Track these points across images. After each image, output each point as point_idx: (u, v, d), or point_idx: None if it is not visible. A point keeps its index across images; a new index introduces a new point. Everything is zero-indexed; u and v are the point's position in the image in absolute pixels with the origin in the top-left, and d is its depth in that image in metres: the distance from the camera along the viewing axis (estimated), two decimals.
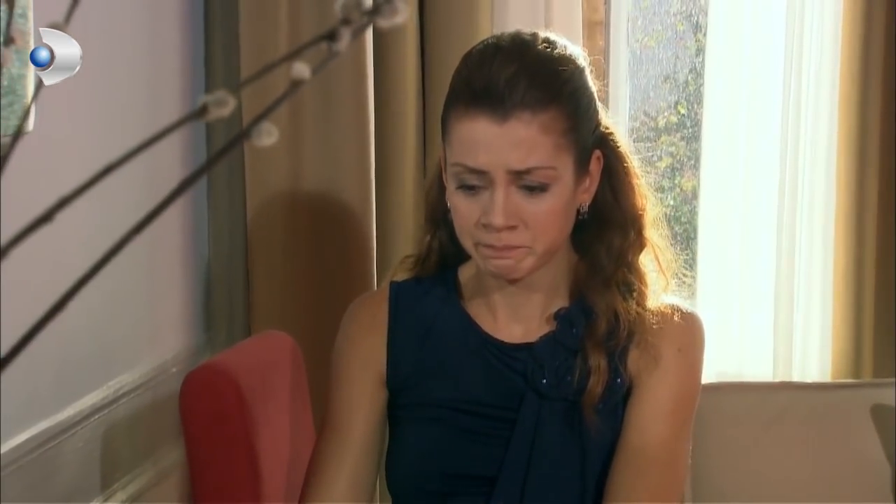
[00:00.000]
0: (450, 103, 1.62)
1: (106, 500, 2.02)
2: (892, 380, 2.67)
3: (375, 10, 0.61)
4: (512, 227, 1.59)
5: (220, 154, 0.64)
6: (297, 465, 1.99)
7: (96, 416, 1.98)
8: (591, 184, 1.67)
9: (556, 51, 1.63)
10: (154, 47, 2.27)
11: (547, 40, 1.64)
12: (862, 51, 2.67)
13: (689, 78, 3.02)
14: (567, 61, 1.63)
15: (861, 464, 2.61)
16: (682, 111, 3.03)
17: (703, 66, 2.87)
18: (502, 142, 1.55)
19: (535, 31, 1.67)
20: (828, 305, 2.77)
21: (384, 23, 0.62)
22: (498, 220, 1.57)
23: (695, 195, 2.93)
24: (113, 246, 0.64)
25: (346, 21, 0.62)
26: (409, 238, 2.58)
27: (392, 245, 2.59)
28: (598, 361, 1.66)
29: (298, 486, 1.80)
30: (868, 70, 2.67)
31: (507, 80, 1.55)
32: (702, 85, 2.87)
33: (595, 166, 1.67)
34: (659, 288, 1.73)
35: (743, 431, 2.65)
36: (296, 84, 0.67)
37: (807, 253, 2.78)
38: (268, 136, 0.67)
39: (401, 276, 1.81)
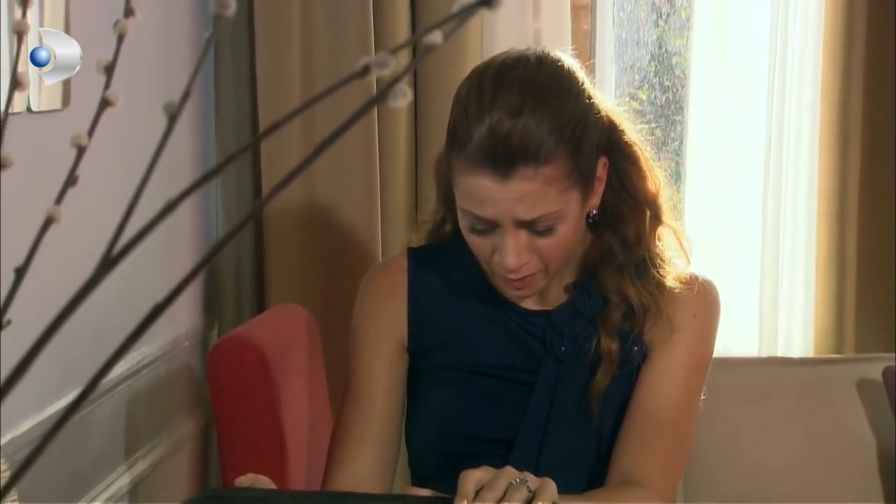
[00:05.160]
0: (452, 147, 1.60)
1: (129, 468, 2.07)
2: (879, 355, 2.69)
3: None
4: (524, 262, 1.62)
5: (355, 118, 0.69)
6: (315, 432, 2.04)
7: (121, 387, 2.03)
8: (600, 186, 1.68)
9: (556, 82, 1.60)
10: (166, 23, 2.33)
11: (547, 74, 1.61)
12: (844, 34, 2.71)
13: (675, 60, 3.06)
14: (566, 93, 1.60)
15: (848, 438, 2.62)
16: (665, 93, 3.07)
17: (687, 49, 2.91)
18: (506, 197, 1.56)
19: (529, 56, 1.63)
20: (811, 282, 2.81)
21: None
22: (510, 262, 1.60)
23: (678, 176, 2.97)
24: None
25: None
26: (402, 218, 2.65)
27: (391, 227, 2.67)
28: (609, 346, 1.69)
29: (316, 456, 1.84)
30: (850, 52, 2.71)
31: (507, 136, 1.54)
32: (687, 68, 2.91)
33: (602, 171, 1.67)
34: (678, 268, 1.74)
35: (730, 406, 2.64)
36: (429, 50, 0.72)
37: (791, 231, 2.82)
38: (402, 97, 0.71)
39: (416, 242, 1.82)
